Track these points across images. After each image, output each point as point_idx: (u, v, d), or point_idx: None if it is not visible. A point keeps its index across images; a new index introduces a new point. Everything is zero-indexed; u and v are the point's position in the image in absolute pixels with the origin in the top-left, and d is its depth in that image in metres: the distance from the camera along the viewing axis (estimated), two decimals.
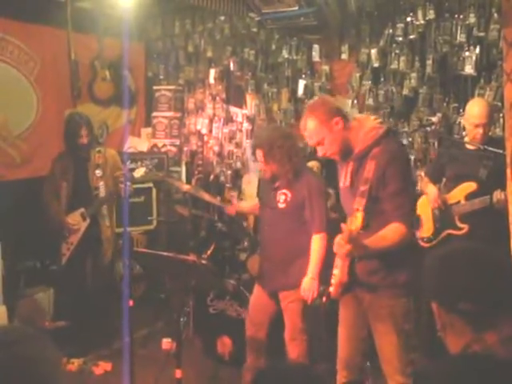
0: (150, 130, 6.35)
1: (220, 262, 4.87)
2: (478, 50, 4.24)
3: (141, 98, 6.47)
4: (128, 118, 6.15)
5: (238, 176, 5.86)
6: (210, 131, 6.07)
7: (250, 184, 5.62)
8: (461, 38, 4.29)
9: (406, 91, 4.62)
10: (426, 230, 3.96)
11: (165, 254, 3.47)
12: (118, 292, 3.82)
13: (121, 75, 6.00)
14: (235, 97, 5.92)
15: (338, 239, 2.57)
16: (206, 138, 6.15)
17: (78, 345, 4.17)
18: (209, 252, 4.49)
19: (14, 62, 5.22)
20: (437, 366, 1.57)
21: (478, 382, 1.41)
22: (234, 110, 5.92)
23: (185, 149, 6.26)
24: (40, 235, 4.75)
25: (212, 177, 6.06)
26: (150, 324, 4.88)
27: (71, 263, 4.56)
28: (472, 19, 4.21)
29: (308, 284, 3.42)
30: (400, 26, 4.61)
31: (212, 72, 5.96)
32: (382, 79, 4.80)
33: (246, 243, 4.91)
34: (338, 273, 2.78)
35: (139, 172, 4.52)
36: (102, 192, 4.57)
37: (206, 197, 4.72)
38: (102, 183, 4.56)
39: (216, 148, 6.03)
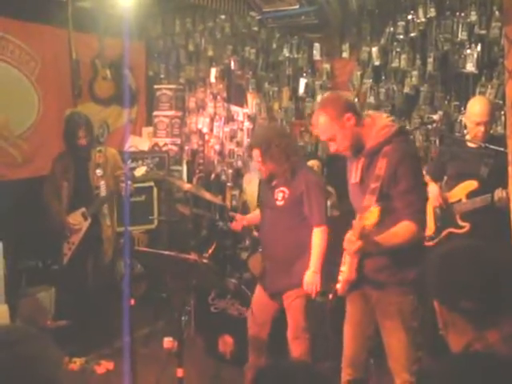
0: (151, 129, 6.35)
1: (221, 260, 4.87)
2: (479, 47, 4.24)
3: (142, 97, 6.47)
4: (129, 117, 6.15)
5: (239, 175, 5.86)
6: (211, 130, 6.07)
7: (251, 183, 5.61)
8: (462, 35, 4.28)
9: (407, 89, 4.62)
10: (427, 228, 3.95)
11: (166, 253, 3.47)
12: (120, 291, 3.82)
13: (122, 74, 6.00)
14: (236, 96, 5.91)
15: (349, 235, 2.57)
16: (207, 137, 6.14)
17: (79, 344, 4.17)
18: (210, 251, 4.49)
19: (15, 62, 5.22)
20: (439, 364, 1.57)
21: (480, 380, 1.41)
22: (234, 108, 5.91)
23: (186, 148, 6.25)
24: (42, 235, 4.75)
25: (213, 176, 6.06)
26: (151, 323, 4.88)
27: (73, 263, 4.56)
28: (473, 17, 4.21)
29: (310, 277, 3.42)
30: (401, 23, 4.61)
31: (213, 71, 5.96)
32: (383, 77, 4.80)
33: (247, 242, 4.90)
34: (345, 269, 2.78)
35: (140, 171, 4.52)
36: (103, 191, 4.57)
37: (207, 196, 4.72)
38: (102, 182, 4.56)
39: (217, 147, 6.02)
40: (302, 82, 5.29)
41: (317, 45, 5.17)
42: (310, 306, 3.55)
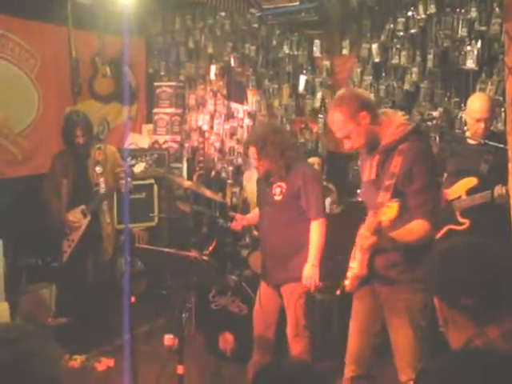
0: (151, 126, 6.35)
1: (222, 258, 4.87)
2: (479, 44, 4.23)
3: (142, 94, 6.47)
4: (129, 114, 6.15)
5: (239, 172, 5.86)
6: (211, 127, 6.06)
7: (252, 180, 5.60)
8: (462, 32, 4.28)
9: (407, 86, 4.62)
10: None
11: (166, 250, 3.47)
12: (120, 288, 3.82)
13: (121, 72, 6.00)
14: (236, 93, 5.91)
15: (363, 231, 2.57)
16: (207, 135, 6.14)
17: (80, 341, 4.16)
18: (210, 248, 4.50)
19: (15, 60, 5.21)
20: (439, 360, 1.57)
21: (480, 376, 1.41)
22: (235, 106, 5.91)
23: (186, 145, 6.25)
24: (41, 232, 4.75)
25: (213, 173, 6.05)
26: (151, 320, 4.88)
27: (72, 260, 4.57)
28: (473, 13, 4.20)
29: (309, 271, 3.44)
30: (401, 20, 4.60)
31: (213, 68, 5.95)
32: (383, 74, 4.80)
33: (247, 239, 4.90)
34: (356, 265, 2.78)
35: (139, 167, 4.53)
36: (103, 188, 4.58)
37: (208, 193, 4.72)
38: (102, 180, 4.57)
39: (217, 144, 6.02)
40: (302, 78, 5.28)
41: (317, 42, 5.17)
42: (308, 305, 3.54)
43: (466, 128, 4.07)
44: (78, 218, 4.54)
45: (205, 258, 3.52)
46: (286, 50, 5.34)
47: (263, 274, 3.73)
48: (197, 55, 6.13)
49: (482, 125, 3.64)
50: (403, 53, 4.61)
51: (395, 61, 4.67)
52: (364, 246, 2.61)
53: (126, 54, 5.72)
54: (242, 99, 5.84)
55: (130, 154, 4.75)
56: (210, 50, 5.96)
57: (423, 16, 4.47)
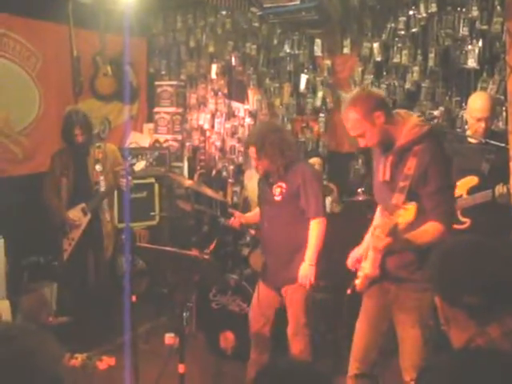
0: (152, 125, 6.35)
1: (222, 257, 4.88)
2: (480, 43, 4.23)
3: (143, 93, 6.47)
4: (130, 113, 6.15)
5: (240, 171, 5.86)
6: (212, 126, 6.06)
7: (252, 179, 5.59)
8: (463, 31, 4.28)
9: (408, 85, 4.61)
10: None
11: (167, 249, 3.47)
12: (121, 287, 3.82)
13: (123, 71, 5.99)
14: (237, 92, 5.91)
15: (378, 232, 2.56)
16: (208, 134, 6.14)
17: (81, 340, 4.17)
18: (211, 247, 4.50)
19: (16, 58, 5.21)
20: (440, 360, 1.57)
21: (481, 375, 1.41)
22: (235, 105, 5.91)
23: (187, 144, 6.25)
24: (43, 231, 4.75)
25: (214, 172, 6.06)
26: (152, 319, 4.88)
27: (73, 258, 4.57)
28: (475, 12, 4.20)
29: (305, 270, 3.44)
30: (402, 19, 4.60)
31: (214, 67, 5.95)
32: (385, 73, 4.79)
33: (248, 238, 4.91)
34: (367, 265, 2.78)
35: (139, 165, 4.53)
36: (103, 187, 4.58)
37: (209, 192, 4.73)
38: (102, 178, 4.58)
39: (218, 143, 6.02)
40: (303, 78, 5.28)
41: (318, 41, 5.16)
42: (308, 304, 3.55)
43: (466, 127, 4.07)
44: (78, 216, 4.55)
45: (205, 256, 3.52)
46: (287, 49, 5.33)
47: (263, 275, 3.72)
48: (198, 54, 6.13)
49: (483, 124, 3.63)
50: (404, 52, 4.61)
51: (396, 60, 4.67)
52: (378, 247, 2.60)
53: (127, 52, 5.72)
54: (242, 98, 5.84)
55: (131, 153, 4.76)
56: (211, 49, 5.95)
57: (424, 15, 4.46)
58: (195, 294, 4.54)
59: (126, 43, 5.62)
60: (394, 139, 2.75)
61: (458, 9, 4.31)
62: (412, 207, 2.42)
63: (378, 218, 3.11)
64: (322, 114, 5.22)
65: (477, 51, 4.22)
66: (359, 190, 4.42)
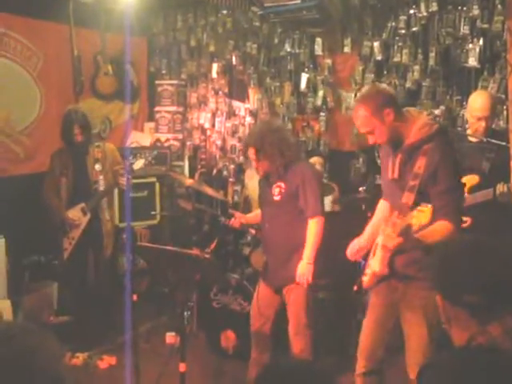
0: (152, 124, 6.35)
1: (223, 256, 4.88)
2: (481, 41, 4.23)
3: (143, 92, 6.47)
4: (131, 112, 6.15)
5: (240, 170, 5.86)
6: (213, 125, 6.06)
7: (253, 178, 5.60)
8: (464, 30, 4.28)
9: (409, 84, 4.61)
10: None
11: (168, 248, 3.47)
12: (122, 286, 3.83)
13: (123, 70, 5.99)
14: (238, 91, 5.91)
15: (388, 231, 2.56)
16: (208, 133, 6.14)
17: (82, 339, 4.18)
18: (212, 246, 4.50)
19: (17, 58, 5.21)
20: (441, 358, 1.57)
21: (482, 374, 1.41)
22: (236, 104, 5.91)
23: (188, 143, 6.25)
24: (44, 230, 4.76)
25: (215, 171, 6.06)
26: (153, 318, 4.89)
27: (73, 258, 4.58)
28: (475, 11, 4.19)
29: (303, 268, 3.44)
30: (403, 18, 4.60)
31: (214, 66, 5.95)
32: (385, 72, 4.79)
33: (249, 238, 4.91)
34: (375, 264, 2.78)
35: (138, 164, 4.53)
36: (102, 186, 4.59)
37: (209, 191, 4.73)
38: (101, 177, 4.58)
39: (219, 142, 6.02)
40: (304, 77, 5.28)
41: (318, 40, 5.16)
42: (309, 303, 3.55)
43: (467, 126, 4.07)
44: (77, 215, 4.55)
45: (206, 256, 3.53)
46: (287, 48, 5.33)
47: (264, 275, 3.73)
48: (198, 53, 6.13)
49: (483, 123, 3.63)
50: (405, 51, 4.60)
51: (397, 59, 4.67)
52: (389, 247, 2.61)
53: (128, 52, 5.72)
54: (243, 97, 5.84)
55: (132, 152, 4.76)
56: (212, 49, 5.95)
57: (425, 14, 4.46)
58: (196, 293, 4.55)
59: (127, 42, 5.62)
60: (403, 137, 2.74)
61: (459, 7, 4.31)
62: (428, 210, 2.39)
63: (378, 213, 3.11)
64: (322, 113, 5.22)
65: (477, 50, 4.22)
66: (360, 188, 4.42)
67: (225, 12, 5.76)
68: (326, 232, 3.52)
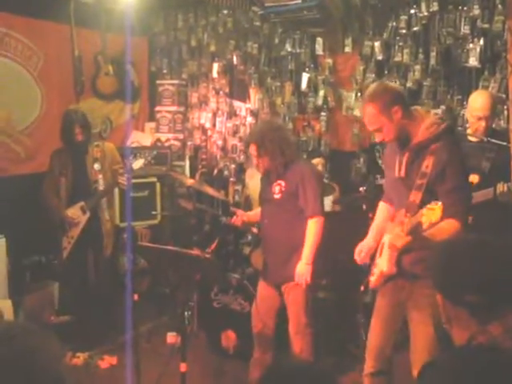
0: (153, 124, 6.36)
1: (224, 256, 4.88)
2: (482, 41, 4.22)
3: (144, 92, 6.47)
4: (131, 112, 6.15)
5: (241, 170, 5.86)
6: (214, 125, 6.06)
7: (254, 178, 5.60)
8: (465, 29, 4.27)
9: (409, 84, 4.61)
10: None
11: (169, 248, 3.47)
12: (123, 286, 3.83)
13: (124, 70, 6.00)
14: (238, 91, 5.91)
15: (397, 230, 2.55)
16: (209, 133, 6.14)
17: (83, 339, 4.19)
18: (213, 246, 4.50)
19: (18, 58, 5.22)
20: (441, 357, 1.57)
21: (482, 373, 1.41)
22: (237, 104, 5.91)
23: (188, 143, 6.25)
24: (45, 230, 4.76)
25: (216, 171, 6.06)
26: (154, 318, 4.89)
27: (72, 257, 4.58)
28: (476, 11, 4.19)
29: (301, 269, 3.44)
30: (403, 18, 4.60)
31: (215, 66, 5.95)
32: (386, 72, 4.78)
33: (249, 237, 4.91)
34: (383, 263, 2.78)
35: (138, 163, 4.54)
36: (101, 185, 4.59)
37: (210, 191, 4.73)
38: (100, 176, 4.59)
39: (220, 142, 6.02)
40: (305, 76, 5.28)
41: (319, 39, 5.16)
42: (309, 303, 3.55)
43: (467, 126, 4.06)
44: (77, 214, 4.55)
45: (207, 256, 3.53)
46: (288, 47, 5.33)
47: (263, 273, 3.73)
48: (199, 53, 6.13)
49: (483, 123, 3.62)
50: (406, 50, 4.60)
51: (398, 58, 4.66)
52: (397, 246, 2.61)
53: (129, 52, 5.73)
54: (244, 97, 5.84)
55: (132, 152, 4.77)
56: (213, 48, 5.95)
57: (426, 14, 4.45)
58: (197, 293, 4.55)
59: (128, 42, 5.62)
60: (410, 135, 2.75)
61: (460, 7, 4.31)
62: (438, 207, 2.37)
63: (380, 214, 3.11)
64: (323, 113, 5.22)
65: (478, 50, 4.22)
66: (361, 188, 4.42)
67: (225, 12, 5.76)
68: (327, 232, 3.52)
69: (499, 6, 4.07)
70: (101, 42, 5.86)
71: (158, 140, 6.17)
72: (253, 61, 5.66)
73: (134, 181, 4.80)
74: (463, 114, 4.28)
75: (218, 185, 5.87)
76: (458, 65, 4.39)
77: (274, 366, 1.63)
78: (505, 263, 1.56)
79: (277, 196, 3.54)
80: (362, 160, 5.02)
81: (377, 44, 4.77)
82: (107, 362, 4.20)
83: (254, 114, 5.73)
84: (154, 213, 5.50)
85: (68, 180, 4.58)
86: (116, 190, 4.90)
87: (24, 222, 4.80)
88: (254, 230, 4.20)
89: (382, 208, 3.11)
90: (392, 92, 2.77)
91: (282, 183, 3.53)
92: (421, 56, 4.55)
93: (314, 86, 5.26)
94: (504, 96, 4.01)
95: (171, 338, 4.52)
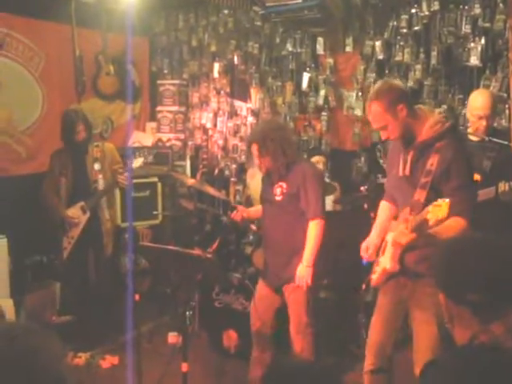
0: (154, 124, 6.36)
1: (225, 255, 4.88)
2: (483, 40, 4.23)
3: (145, 92, 6.47)
4: (132, 112, 6.15)
5: (242, 170, 5.86)
6: (215, 125, 6.07)
7: (255, 178, 5.60)
8: (466, 28, 4.27)
9: (410, 83, 4.61)
10: None
11: (170, 248, 3.47)
12: (124, 286, 3.83)
13: (125, 70, 6.00)
14: (239, 91, 5.91)
15: (402, 228, 2.55)
16: (210, 132, 6.14)
17: (84, 339, 4.19)
18: (214, 246, 4.50)
19: (19, 58, 5.22)
20: (443, 356, 1.57)
21: (484, 372, 1.41)
22: (238, 103, 5.91)
23: (189, 143, 6.25)
24: (46, 230, 4.76)
25: (217, 171, 6.06)
26: (156, 318, 4.89)
27: (73, 257, 4.58)
28: (477, 10, 4.19)
29: (302, 271, 3.44)
30: (404, 17, 4.60)
31: (216, 66, 5.95)
32: (387, 71, 4.79)
33: (251, 237, 4.91)
34: (386, 261, 2.78)
35: (137, 162, 4.54)
36: (101, 185, 4.60)
37: (211, 191, 4.73)
38: (100, 176, 4.59)
39: (220, 142, 6.02)
40: (306, 76, 5.28)
41: (320, 39, 5.16)
42: (310, 302, 3.54)
43: (468, 125, 4.06)
44: (77, 214, 4.56)
45: (208, 255, 3.53)
46: (289, 47, 5.33)
47: (264, 274, 3.73)
48: (200, 53, 6.13)
49: (484, 122, 3.61)
50: (407, 50, 4.60)
51: (399, 58, 4.66)
52: (401, 243, 2.61)
53: (130, 52, 5.73)
54: (245, 97, 5.84)
55: (132, 152, 4.77)
56: (213, 48, 5.96)
57: (427, 13, 4.46)
58: (198, 293, 4.55)
59: (129, 42, 5.63)
60: (415, 134, 2.75)
61: (461, 6, 4.31)
62: (445, 204, 2.35)
63: (381, 214, 3.11)
64: (324, 113, 5.22)
65: (479, 49, 4.22)
66: (362, 187, 4.42)
67: (226, 12, 5.77)
68: (328, 231, 3.51)
69: (500, 5, 4.08)
70: (102, 42, 5.86)
71: (159, 140, 6.17)
72: (254, 60, 5.66)
73: (135, 181, 4.81)
74: (464, 114, 4.28)
75: (219, 185, 5.87)
76: (459, 64, 4.39)
77: (275, 366, 1.63)
78: (507, 262, 1.55)
79: (278, 198, 3.53)
80: (362, 159, 5.02)
81: (378, 43, 4.77)
82: (109, 361, 4.20)
83: (255, 113, 5.73)
84: (155, 213, 5.50)
85: (68, 180, 4.58)
86: (117, 191, 4.90)
87: (25, 221, 4.80)
88: (253, 226, 4.19)
89: (384, 207, 3.11)
90: (397, 90, 2.78)
91: (284, 185, 3.51)
92: (422, 55, 4.55)
93: (314, 86, 5.26)
94: (505, 95, 4.01)
95: (172, 337, 4.52)
